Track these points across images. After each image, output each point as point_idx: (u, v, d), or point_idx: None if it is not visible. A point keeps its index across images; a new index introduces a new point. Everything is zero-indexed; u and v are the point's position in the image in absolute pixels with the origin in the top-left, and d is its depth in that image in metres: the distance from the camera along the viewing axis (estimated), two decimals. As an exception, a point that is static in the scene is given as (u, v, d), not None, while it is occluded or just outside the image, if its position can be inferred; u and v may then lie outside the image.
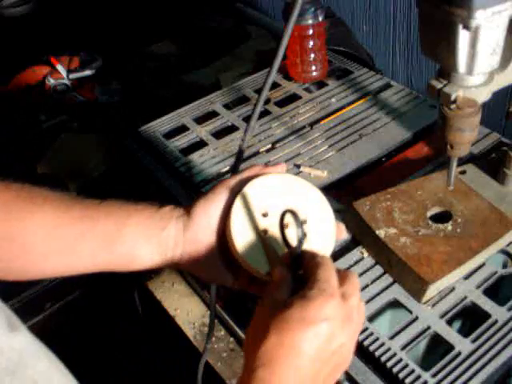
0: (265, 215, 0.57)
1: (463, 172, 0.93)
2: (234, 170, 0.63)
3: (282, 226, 0.51)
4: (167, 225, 0.58)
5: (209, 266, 0.59)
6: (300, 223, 0.49)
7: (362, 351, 0.73)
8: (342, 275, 0.51)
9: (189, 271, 0.61)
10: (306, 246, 0.51)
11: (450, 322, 0.75)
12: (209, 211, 0.58)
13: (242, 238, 0.56)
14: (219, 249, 0.59)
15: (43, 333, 0.63)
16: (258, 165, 0.61)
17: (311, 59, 1.22)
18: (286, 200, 0.57)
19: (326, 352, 0.47)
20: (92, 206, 0.58)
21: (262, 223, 0.57)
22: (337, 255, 0.84)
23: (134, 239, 0.57)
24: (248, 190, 0.57)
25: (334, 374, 0.50)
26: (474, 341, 0.72)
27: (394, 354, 0.72)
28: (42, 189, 0.58)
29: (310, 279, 0.48)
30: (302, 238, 0.49)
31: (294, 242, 0.50)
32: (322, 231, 0.58)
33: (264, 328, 0.47)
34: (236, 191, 0.58)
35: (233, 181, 0.59)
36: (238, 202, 0.56)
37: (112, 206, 0.59)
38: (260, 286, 0.58)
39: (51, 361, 0.59)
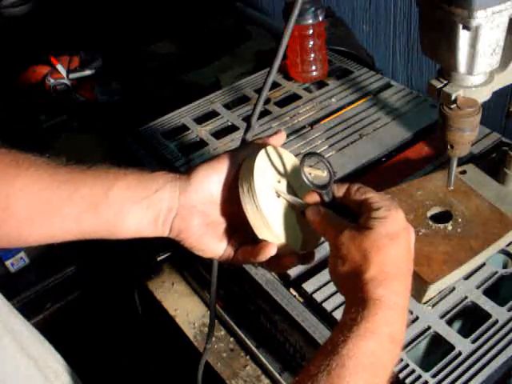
0: (279, 181, 0.58)
1: (463, 172, 0.93)
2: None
3: (304, 170, 0.54)
4: (160, 187, 0.55)
5: (201, 235, 0.57)
6: (326, 161, 0.53)
7: (362, 351, 0.73)
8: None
9: (178, 240, 0.58)
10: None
11: (450, 323, 0.75)
12: (210, 178, 0.56)
13: (273, 215, 0.55)
14: (215, 217, 0.57)
15: (43, 333, 0.63)
16: (260, 138, 0.60)
17: (311, 59, 1.22)
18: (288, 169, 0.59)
19: (411, 252, 0.53)
20: (79, 170, 0.56)
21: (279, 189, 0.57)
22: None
23: (121, 202, 0.55)
24: (261, 157, 0.56)
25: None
26: (474, 341, 0.72)
27: (394, 354, 0.72)
28: (28, 154, 0.56)
29: (367, 203, 0.52)
30: (332, 171, 0.53)
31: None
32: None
33: (361, 253, 0.50)
34: (239, 163, 0.57)
35: (237, 152, 0.58)
36: (257, 170, 0.55)
37: (100, 169, 0.57)
38: (246, 251, 0.57)
39: (42, 343, 0.59)
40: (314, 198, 0.55)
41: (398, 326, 0.50)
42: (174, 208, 0.55)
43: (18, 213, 0.54)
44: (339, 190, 0.55)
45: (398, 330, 0.50)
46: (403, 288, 0.51)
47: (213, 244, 0.58)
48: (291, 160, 0.60)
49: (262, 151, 0.56)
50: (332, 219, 0.54)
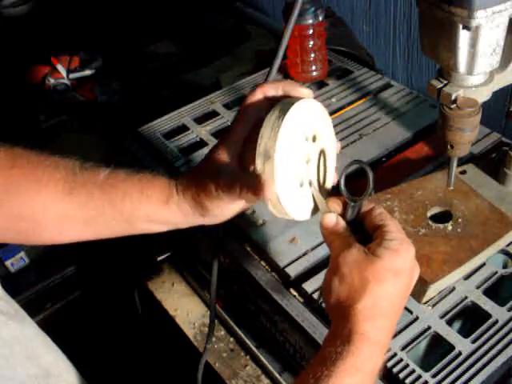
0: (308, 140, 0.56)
1: (463, 172, 0.93)
2: None
3: (344, 179, 0.55)
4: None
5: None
6: (371, 178, 0.53)
7: (362, 351, 0.73)
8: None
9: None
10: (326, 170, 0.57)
11: (450, 323, 0.75)
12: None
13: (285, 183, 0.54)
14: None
15: (43, 333, 0.63)
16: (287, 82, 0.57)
17: (311, 59, 1.22)
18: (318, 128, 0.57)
19: (408, 291, 0.53)
20: (96, 192, 0.59)
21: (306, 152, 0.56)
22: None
23: (144, 219, 0.60)
24: (289, 119, 0.53)
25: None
26: (474, 341, 0.72)
27: (395, 355, 0.72)
28: (40, 162, 0.60)
29: (382, 230, 0.52)
30: (372, 186, 0.53)
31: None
32: (332, 156, 0.60)
33: (362, 278, 0.50)
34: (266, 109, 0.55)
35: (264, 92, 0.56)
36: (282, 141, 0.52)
37: (116, 189, 0.60)
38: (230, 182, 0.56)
39: (57, 352, 0.60)
40: (337, 207, 0.55)
41: (379, 361, 0.50)
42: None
43: (48, 226, 0.60)
44: (363, 207, 0.55)
45: (378, 365, 0.50)
46: (389, 325, 0.51)
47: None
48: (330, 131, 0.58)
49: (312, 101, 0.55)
50: (344, 233, 0.54)
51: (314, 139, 0.56)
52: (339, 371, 0.47)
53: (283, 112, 0.51)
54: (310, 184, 0.57)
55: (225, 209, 0.58)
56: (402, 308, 0.53)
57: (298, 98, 0.54)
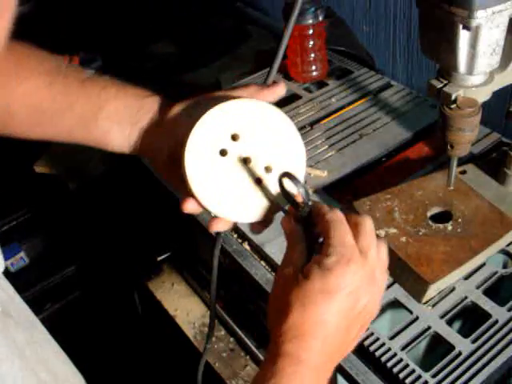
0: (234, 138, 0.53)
1: (463, 172, 0.93)
2: None
3: (282, 186, 0.51)
4: (141, 119, 0.59)
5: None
6: (301, 184, 0.48)
7: (363, 351, 0.73)
8: (354, 223, 0.49)
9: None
10: (278, 169, 0.52)
11: (450, 322, 0.75)
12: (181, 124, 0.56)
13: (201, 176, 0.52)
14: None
15: (43, 333, 0.63)
16: (254, 85, 0.57)
17: (311, 59, 1.22)
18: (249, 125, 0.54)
19: (352, 316, 0.48)
20: (76, 83, 0.60)
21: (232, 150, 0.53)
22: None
23: (108, 125, 0.59)
24: (214, 111, 0.53)
25: (362, 329, 0.51)
26: (474, 341, 0.72)
27: (395, 355, 0.72)
28: (30, 56, 0.61)
29: (325, 242, 0.48)
30: (307, 199, 0.49)
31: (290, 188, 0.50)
32: (293, 154, 0.55)
33: (286, 302, 0.47)
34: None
35: (221, 94, 0.57)
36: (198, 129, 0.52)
37: (96, 85, 0.60)
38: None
39: (64, 357, 0.60)
40: (288, 222, 0.52)
41: (310, 380, 0.47)
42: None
43: (20, 119, 0.61)
44: (318, 210, 0.50)
45: (311, 382, 0.48)
46: (320, 346, 0.47)
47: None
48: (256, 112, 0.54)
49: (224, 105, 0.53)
50: (294, 238, 0.51)
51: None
52: None
53: (210, 107, 0.52)
54: (259, 182, 0.54)
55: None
56: (346, 330, 0.48)
57: (234, 97, 0.53)
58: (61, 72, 0.61)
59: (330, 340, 0.47)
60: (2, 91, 0.59)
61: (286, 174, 0.50)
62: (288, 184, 0.51)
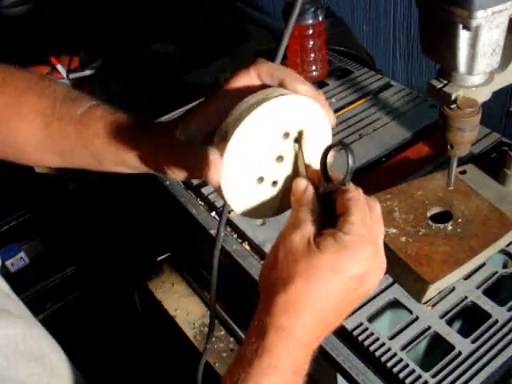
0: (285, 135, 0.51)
1: (463, 172, 0.93)
2: None
3: (325, 161, 0.49)
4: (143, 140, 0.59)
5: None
6: (350, 156, 0.47)
7: (363, 351, 0.73)
8: (368, 205, 0.48)
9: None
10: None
11: (450, 323, 0.75)
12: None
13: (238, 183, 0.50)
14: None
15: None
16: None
17: (311, 59, 1.22)
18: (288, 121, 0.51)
19: (352, 298, 0.46)
20: (71, 127, 0.60)
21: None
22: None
23: (116, 162, 0.61)
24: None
25: (354, 305, 0.49)
26: (474, 341, 0.72)
27: (395, 355, 0.72)
28: (29, 93, 0.61)
29: (344, 219, 0.45)
30: (350, 173, 0.47)
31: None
32: (321, 142, 0.53)
33: (289, 270, 0.44)
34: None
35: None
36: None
37: (89, 129, 0.60)
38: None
39: (60, 353, 0.60)
40: (316, 178, 0.50)
41: (301, 358, 0.45)
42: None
43: (28, 153, 0.64)
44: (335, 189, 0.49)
45: (301, 363, 0.46)
46: (313, 325, 0.45)
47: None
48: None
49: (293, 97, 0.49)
50: (308, 206, 0.47)
51: (296, 139, 0.52)
52: (256, 373, 0.44)
53: (263, 100, 0.48)
54: (275, 184, 0.52)
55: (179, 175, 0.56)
56: (343, 310, 0.47)
57: (288, 92, 0.50)
58: (55, 111, 0.61)
59: (325, 319, 0.46)
60: (6, 128, 0.62)
61: (344, 146, 0.47)
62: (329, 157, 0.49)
